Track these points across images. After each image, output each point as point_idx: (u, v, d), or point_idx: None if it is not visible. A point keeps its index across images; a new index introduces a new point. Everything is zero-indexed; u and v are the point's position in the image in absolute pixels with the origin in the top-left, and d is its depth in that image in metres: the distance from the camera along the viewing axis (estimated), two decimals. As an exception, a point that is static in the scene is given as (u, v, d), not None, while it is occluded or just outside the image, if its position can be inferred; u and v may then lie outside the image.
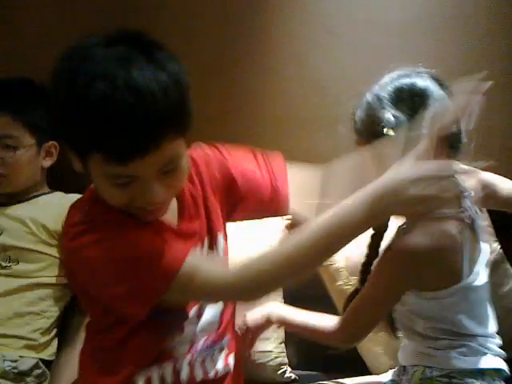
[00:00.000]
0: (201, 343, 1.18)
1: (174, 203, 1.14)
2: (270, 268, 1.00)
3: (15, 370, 1.64)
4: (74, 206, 1.11)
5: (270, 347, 1.84)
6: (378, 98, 1.35)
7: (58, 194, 1.91)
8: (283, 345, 1.88)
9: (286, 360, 1.88)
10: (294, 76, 2.04)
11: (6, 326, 1.71)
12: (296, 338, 1.88)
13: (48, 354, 1.75)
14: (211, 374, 1.20)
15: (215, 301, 1.15)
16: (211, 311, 1.20)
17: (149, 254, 1.00)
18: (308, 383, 1.78)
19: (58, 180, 1.94)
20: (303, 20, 2.01)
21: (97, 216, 1.03)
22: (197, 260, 1.02)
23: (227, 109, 2.09)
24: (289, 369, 1.88)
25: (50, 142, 1.85)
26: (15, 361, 1.66)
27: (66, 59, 0.96)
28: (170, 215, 1.13)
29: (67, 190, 1.90)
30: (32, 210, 1.81)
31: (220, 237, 1.22)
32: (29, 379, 1.67)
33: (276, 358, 1.84)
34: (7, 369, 1.63)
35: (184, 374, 1.17)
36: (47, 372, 1.73)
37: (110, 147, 0.91)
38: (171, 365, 1.15)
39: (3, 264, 1.76)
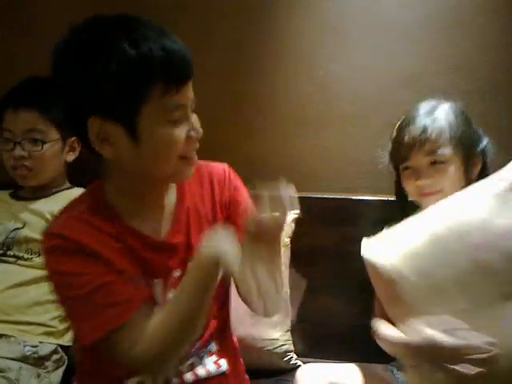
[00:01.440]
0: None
1: (169, 215, 1.22)
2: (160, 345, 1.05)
3: (35, 355, 1.71)
4: (66, 208, 1.17)
5: (277, 335, 1.87)
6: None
7: (78, 190, 1.96)
8: (289, 333, 1.91)
9: (292, 347, 1.91)
10: (301, 75, 2.07)
11: (27, 313, 1.78)
12: (302, 325, 1.96)
13: (66, 340, 1.83)
14: (202, 374, 1.25)
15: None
16: None
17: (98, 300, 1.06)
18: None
19: (78, 176, 1.99)
20: (311, 20, 2.04)
21: (74, 233, 1.08)
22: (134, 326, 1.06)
23: (236, 108, 2.13)
24: (295, 356, 1.91)
25: (73, 138, 1.92)
26: (35, 346, 1.72)
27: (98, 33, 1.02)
28: (164, 226, 1.21)
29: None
30: (53, 204, 1.86)
31: None
32: (48, 363, 1.74)
33: (282, 345, 1.88)
34: (28, 353, 1.70)
35: (174, 380, 1.22)
36: (65, 357, 1.81)
37: (171, 72, 1.02)
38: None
39: (25, 256, 1.83)
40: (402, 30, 1.99)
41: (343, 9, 2.02)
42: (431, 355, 1.20)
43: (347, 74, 2.05)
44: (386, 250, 1.34)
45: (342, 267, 1.66)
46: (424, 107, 1.52)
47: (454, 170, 1.47)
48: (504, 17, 1.93)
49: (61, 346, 1.81)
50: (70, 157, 1.96)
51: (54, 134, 1.89)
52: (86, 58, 1.00)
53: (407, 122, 1.52)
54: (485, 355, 1.15)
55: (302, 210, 1.99)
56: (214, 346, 1.29)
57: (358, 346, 1.69)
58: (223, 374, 1.29)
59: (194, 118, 1.12)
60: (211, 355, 1.28)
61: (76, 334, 1.14)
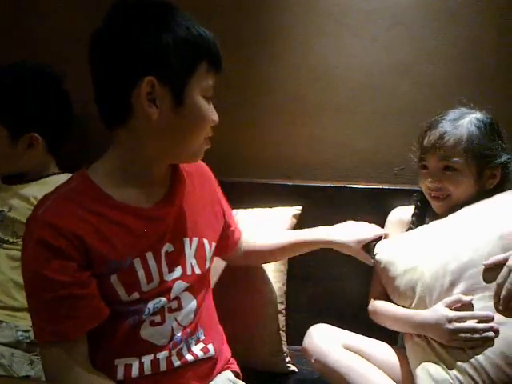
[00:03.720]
0: (178, 336, 1.27)
1: (163, 189, 1.29)
2: None
3: (27, 340, 1.69)
4: (53, 191, 1.20)
5: (267, 333, 1.82)
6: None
7: (66, 176, 1.93)
8: (283, 332, 1.85)
9: (285, 349, 1.85)
10: (299, 63, 2.05)
11: (18, 298, 1.75)
12: (299, 313, 1.95)
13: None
14: (190, 359, 1.29)
15: None
16: (189, 305, 1.29)
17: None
18: (306, 377, 1.80)
19: (68, 162, 1.95)
20: (309, 8, 2.02)
21: (64, 221, 1.13)
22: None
23: (233, 95, 2.10)
24: (287, 359, 1.84)
25: (30, 134, 1.88)
26: (27, 331, 1.70)
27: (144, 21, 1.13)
28: (156, 197, 1.26)
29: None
30: (38, 189, 1.84)
31: (195, 240, 1.34)
32: None
33: (274, 345, 1.82)
34: (20, 338, 1.68)
35: (162, 365, 1.25)
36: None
37: (215, 56, 1.20)
38: (151, 357, 1.23)
39: (11, 240, 1.81)
40: (398, 19, 1.98)
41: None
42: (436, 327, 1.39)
43: (342, 62, 2.04)
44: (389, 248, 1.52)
45: (338, 255, 1.65)
46: (452, 114, 1.56)
47: (464, 179, 1.51)
48: (499, 7, 1.93)
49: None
50: (33, 152, 1.93)
51: (2, 132, 1.85)
52: (157, 25, 1.12)
53: (432, 124, 1.57)
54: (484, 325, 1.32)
55: (297, 197, 2.03)
56: (201, 334, 1.34)
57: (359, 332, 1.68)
58: (211, 358, 1.35)
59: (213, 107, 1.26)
60: (198, 342, 1.33)
61: (34, 328, 1.17)
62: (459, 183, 1.51)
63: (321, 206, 2.01)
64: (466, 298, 1.35)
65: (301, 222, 1.95)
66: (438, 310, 1.38)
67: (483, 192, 1.53)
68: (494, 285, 1.29)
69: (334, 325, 1.63)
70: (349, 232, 1.63)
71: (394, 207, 1.77)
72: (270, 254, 1.66)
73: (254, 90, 2.11)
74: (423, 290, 1.44)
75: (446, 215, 1.54)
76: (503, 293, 1.23)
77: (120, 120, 1.17)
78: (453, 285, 1.38)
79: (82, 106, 1.89)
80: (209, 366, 1.35)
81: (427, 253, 1.46)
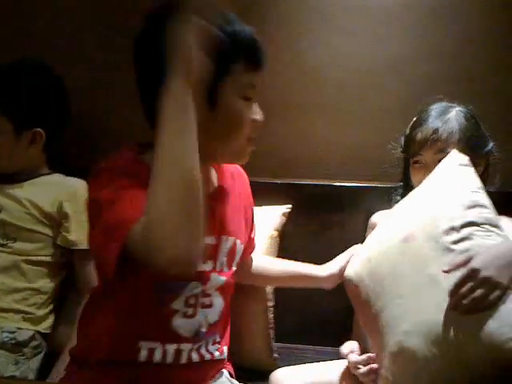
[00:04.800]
0: (203, 332, 1.29)
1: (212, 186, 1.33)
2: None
3: (13, 341, 1.68)
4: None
5: (255, 330, 1.82)
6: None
7: (57, 176, 1.93)
8: (271, 330, 1.85)
9: (273, 346, 1.84)
10: (287, 61, 2.05)
11: (5, 300, 1.74)
12: (286, 311, 1.94)
13: (44, 327, 1.80)
14: (207, 357, 1.31)
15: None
16: (218, 305, 1.32)
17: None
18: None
19: (59, 162, 1.98)
20: (296, 5, 2.03)
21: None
22: None
23: None
24: (275, 356, 1.84)
25: (33, 130, 1.87)
26: (13, 332, 1.70)
27: None
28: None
29: (67, 173, 1.94)
30: (29, 190, 1.84)
31: (231, 240, 1.36)
32: (26, 350, 1.71)
33: (262, 342, 1.82)
34: (5, 339, 1.67)
35: (184, 357, 1.26)
36: (43, 344, 1.79)
37: (253, 53, 1.19)
38: (174, 346, 1.24)
39: (1, 242, 1.79)
40: (388, 16, 1.99)
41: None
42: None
43: (331, 59, 2.04)
44: (355, 261, 1.50)
45: (326, 253, 1.64)
46: (436, 109, 1.61)
47: None
48: (490, 4, 1.94)
49: (39, 333, 1.78)
50: (33, 149, 1.91)
51: (6, 126, 1.83)
52: None
53: (421, 121, 1.61)
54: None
55: (285, 196, 2.02)
56: (218, 336, 1.36)
57: (342, 332, 1.68)
58: (223, 360, 1.39)
59: (258, 107, 1.25)
60: (215, 343, 1.35)
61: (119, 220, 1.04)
62: None
63: (310, 204, 2.01)
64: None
65: (290, 220, 1.95)
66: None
67: None
68: None
69: (323, 323, 1.63)
70: None
71: (383, 204, 1.77)
72: (275, 280, 1.69)
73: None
74: None
75: None
76: (463, 290, 1.21)
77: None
78: None
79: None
80: (218, 368, 1.38)
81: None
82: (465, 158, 1.42)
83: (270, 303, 1.85)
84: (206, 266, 1.29)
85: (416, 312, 1.25)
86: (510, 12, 1.94)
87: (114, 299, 1.21)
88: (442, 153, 1.52)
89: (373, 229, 1.67)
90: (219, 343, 1.37)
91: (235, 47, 1.15)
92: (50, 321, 1.83)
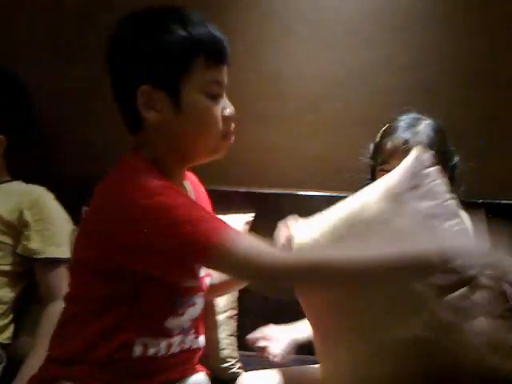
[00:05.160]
0: (187, 327, 1.31)
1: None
2: (325, 261, 1.11)
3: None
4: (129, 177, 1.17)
5: (218, 339, 1.81)
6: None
7: (17, 184, 1.91)
8: (234, 338, 1.85)
9: (235, 354, 1.83)
10: (252, 70, 2.09)
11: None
12: (251, 319, 1.94)
13: (4, 337, 1.78)
14: (189, 346, 1.34)
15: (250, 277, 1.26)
16: (200, 302, 1.35)
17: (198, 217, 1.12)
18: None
19: (18, 168, 1.95)
20: (262, 15, 2.07)
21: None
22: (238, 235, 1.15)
23: None
24: (238, 365, 1.82)
25: None
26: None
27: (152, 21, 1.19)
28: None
29: (28, 179, 1.93)
30: None
31: None
32: None
33: (224, 349, 1.81)
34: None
35: (174, 349, 1.28)
36: (4, 354, 1.75)
37: (212, 49, 1.18)
38: (166, 341, 1.26)
39: None
40: (350, 28, 2.04)
41: (291, 4, 2.05)
42: None
43: (294, 70, 2.08)
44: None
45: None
46: (406, 120, 1.64)
47: None
48: (451, 19, 2.02)
49: (-1, 344, 1.75)
50: None
51: None
52: (145, 36, 1.17)
53: (391, 130, 1.64)
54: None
55: (249, 205, 2.03)
56: (197, 328, 1.38)
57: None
58: (200, 349, 1.40)
59: (227, 101, 1.26)
60: (195, 334, 1.37)
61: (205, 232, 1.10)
62: None
63: (274, 213, 2.00)
64: None
65: (253, 229, 1.95)
66: None
67: None
68: None
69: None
70: None
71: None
72: (219, 289, 1.65)
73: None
74: None
75: None
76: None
77: (135, 129, 1.22)
78: None
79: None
80: (198, 354, 1.40)
81: None
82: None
83: (234, 312, 1.86)
84: (203, 271, 1.34)
85: None
86: (469, 23, 2.01)
87: (113, 302, 1.21)
88: None
89: None
90: (198, 333, 1.38)
91: (192, 45, 1.16)
92: (10, 331, 1.80)
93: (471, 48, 2.02)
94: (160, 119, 1.18)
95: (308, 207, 1.98)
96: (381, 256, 1.09)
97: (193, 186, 1.39)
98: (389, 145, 1.61)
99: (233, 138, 1.27)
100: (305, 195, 2.02)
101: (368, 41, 2.03)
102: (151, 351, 1.24)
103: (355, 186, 2.00)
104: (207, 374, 1.46)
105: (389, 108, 1.94)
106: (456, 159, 1.63)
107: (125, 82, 1.19)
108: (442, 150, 1.58)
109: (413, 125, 1.61)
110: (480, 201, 1.90)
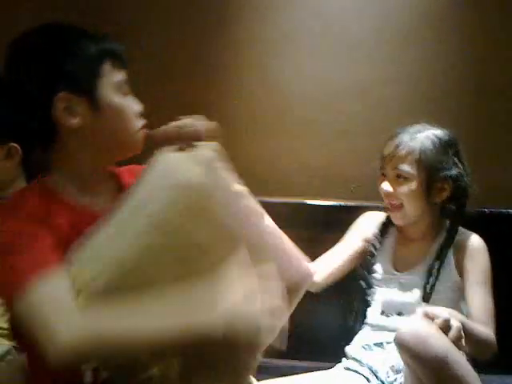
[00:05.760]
0: None
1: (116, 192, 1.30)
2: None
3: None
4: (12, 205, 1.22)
5: None
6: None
7: None
8: None
9: None
10: (254, 82, 2.13)
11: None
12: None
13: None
14: None
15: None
16: None
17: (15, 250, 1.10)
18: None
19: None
20: (267, 28, 2.11)
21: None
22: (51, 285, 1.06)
23: (188, 113, 2.14)
24: None
25: (10, 145, 1.88)
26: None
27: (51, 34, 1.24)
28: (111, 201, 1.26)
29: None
30: None
31: None
32: (1, 364, 1.69)
33: None
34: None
35: None
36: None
37: (116, 53, 1.24)
38: None
39: None
40: (352, 42, 2.08)
41: (296, 19, 2.09)
42: None
43: (298, 82, 2.12)
44: None
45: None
46: (413, 127, 1.66)
47: (413, 188, 1.61)
48: (449, 34, 2.05)
49: (15, 348, 1.78)
50: (8, 163, 1.92)
51: None
52: (56, 45, 1.21)
53: (392, 135, 1.67)
54: None
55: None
56: None
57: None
58: None
59: (133, 98, 1.30)
60: None
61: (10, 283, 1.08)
62: (409, 192, 1.61)
63: (277, 222, 2.05)
64: None
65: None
66: None
67: (434, 206, 1.65)
68: None
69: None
70: None
71: (350, 223, 1.83)
72: None
73: (210, 106, 2.14)
74: None
75: (406, 231, 1.70)
76: None
77: (50, 139, 1.23)
78: None
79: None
80: None
81: None
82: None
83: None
84: None
85: None
86: (472, 36, 2.05)
87: None
88: (398, 169, 1.61)
89: (362, 222, 1.79)
90: None
91: (101, 51, 1.22)
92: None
93: (475, 59, 2.05)
94: (81, 123, 1.20)
95: (313, 216, 2.05)
96: (167, 327, 1.05)
97: (126, 181, 1.34)
98: (384, 150, 1.66)
99: (145, 131, 1.29)
100: (310, 204, 2.05)
101: (371, 54, 2.07)
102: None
103: (359, 195, 2.07)
104: None
105: (392, 119, 2.00)
106: (454, 171, 1.63)
107: (39, 93, 1.20)
108: (437, 160, 1.61)
109: (414, 132, 1.64)
110: (487, 210, 1.93)
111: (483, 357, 1.51)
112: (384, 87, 2.07)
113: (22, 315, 1.05)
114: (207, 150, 1.28)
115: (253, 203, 1.38)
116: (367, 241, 1.76)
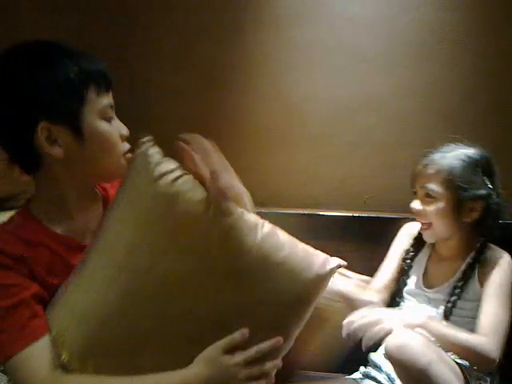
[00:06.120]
0: None
1: (96, 219, 1.29)
2: None
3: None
4: None
5: None
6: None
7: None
8: None
9: None
10: (272, 96, 2.14)
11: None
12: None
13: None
14: None
15: None
16: None
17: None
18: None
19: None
20: (281, 43, 2.13)
21: (8, 246, 1.16)
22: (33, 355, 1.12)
23: (204, 126, 2.11)
24: None
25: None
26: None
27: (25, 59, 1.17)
28: (90, 229, 1.27)
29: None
30: None
31: None
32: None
33: None
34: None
35: None
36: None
37: (101, 77, 1.20)
38: None
39: None
40: (366, 57, 2.09)
41: (310, 34, 2.11)
42: None
43: (312, 96, 2.13)
44: None
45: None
46: (445, 147, 1.66)
47: (442, 208, 1.61)
48: (461, 47, 2.05)
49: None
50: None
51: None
52: (34, 72, 1.15)
53: (426, 154, 1.67)
54: None
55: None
56: None
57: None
58: None
59: (119, 121, 1.28)
60: None
61: None
62: (437, 211, 1.61)
63: (293, 232, 2.06)
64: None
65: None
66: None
67: (464, 225, 1.63)
68: None
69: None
70: None
71: (363, 234, 1.85)
72: None
73: (225, 120, 2.19)
74: None
75: (438, 249, 1.72)
76: None
77: (35, 167, 1.21)
78: None
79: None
80: None
81: None
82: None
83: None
84: None
85: None
86: (484, 47, 2.04)
87: None
88: (426, 188, 1.61)
89: (402, 236, 1.80)
90: None
91: (84, 76, 1.17)
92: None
93: (488, 73, 2.06)
94: (64, 152, 1.17)
95: (327, 227, 2.06)
96: None
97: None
98: (416, 168, 1.66)
99: (130, 155, 1.27)
100: (324, 215, 2.06)
101: (385, 68, 2.08)
102: None
103: (372, 207, 2.09)
104: None
105: (405, 132, 2.02)
106: (483, 192, 1.60)
107: (19, 124, 1.16)
108: (465, 180, 1.58)
109: (445, 152, 1.63)
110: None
111: (479, 367, 1.52)
112: (397, 101, 2.08)
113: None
114: None
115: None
116: (406, 252, 1.78)
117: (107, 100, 1.22)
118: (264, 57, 2.14)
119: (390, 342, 1.39)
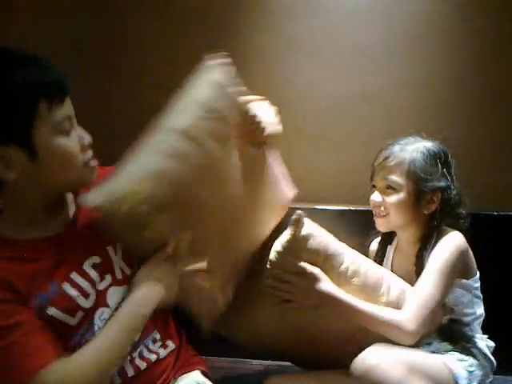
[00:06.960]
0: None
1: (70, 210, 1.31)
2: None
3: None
4: None
5: None
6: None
7: None
8: None
9: None
10: (267, 90, 2.08)
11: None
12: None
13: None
14: (153, 359, 1.34)
15: None
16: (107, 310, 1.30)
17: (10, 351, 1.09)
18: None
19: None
20: (277, 38, 2.15)
21: None
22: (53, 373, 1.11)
23: None
24: None
25: None
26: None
27: None
28: (61, 219, 1.28)
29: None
30: None
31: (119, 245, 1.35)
32: None
33: None
34: None
35: (129, 370, 1.29)
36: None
37: (52, 88, 1.11)
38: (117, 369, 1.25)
39: None
40: (362, 51, 2.12)
41: (306, 30, 2.14)
42: None
43: (309, 90, 2.16)
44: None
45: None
46: (404, 140, 1.69)
47: (401, 199, 1.64)
48: (457, 39, 2.08)
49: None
50: None
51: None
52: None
53: (384, 147, 1.70)
54: None
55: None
56: (156, 334, 1.37)
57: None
58: (173, 351, 1.40)
59: (81, 129, 1.23)
60: (156, 342, 1.37)
61: None
62: (397, 202, 1.64)
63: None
64: None
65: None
66: None
67: (422, 216, 1.65)
68: None
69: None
70: None
71: (358, 226, 1.85)
72: None
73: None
74: None
75: (400, 240, 1.74)
76: None
77: None
78: None
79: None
80: (173, 358, 1.40)
81: None
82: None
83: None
84: (106, 282, 1.29)
85: None
86: (476, 46, 2.06)
87: None
88: (387, 180, 1.64)
89: (371, 252, 1.83)
90: (160, 339, 1.37)
91: (32, 90, 1.09)
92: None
93: (484, 67, 2.06)
94: (19, 173, 1.13)
95: (323, 221, 2.06)
96: None
97: (81, 218, 1.32)
98: (375, 161, 1.69)
99: (93, 163, 1.25)
100: (321, 209, 2.08)
101: (381, 62, 2.10)
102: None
103: (367, 201, 2.08)
104: (203, 371, 1.45)
105: (403, 126, 2.00)
106: (444, 184, 1.63)
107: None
108: (426, 172, 1.61)
109: (405, 144, 1.66)
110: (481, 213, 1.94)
111: (397, 341, 1.49)
112: (393, 95, 2.09)
113: None
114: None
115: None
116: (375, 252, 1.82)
117: (63, 112, 1.15)
118: (257, 51, 2.17)
119: (357, 366, 1.39)
